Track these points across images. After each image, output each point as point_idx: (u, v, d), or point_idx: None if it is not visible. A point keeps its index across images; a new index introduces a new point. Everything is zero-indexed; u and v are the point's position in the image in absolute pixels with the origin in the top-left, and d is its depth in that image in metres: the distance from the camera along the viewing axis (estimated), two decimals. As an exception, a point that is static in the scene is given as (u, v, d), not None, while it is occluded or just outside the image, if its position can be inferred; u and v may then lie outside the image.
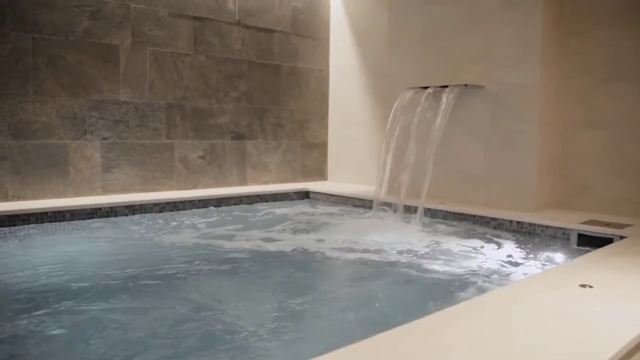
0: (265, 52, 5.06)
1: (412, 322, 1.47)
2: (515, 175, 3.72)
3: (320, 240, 3.28)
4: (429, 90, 4.01)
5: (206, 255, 2.93)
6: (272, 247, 3.12)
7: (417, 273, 2.58)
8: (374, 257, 2.89)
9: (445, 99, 3.83)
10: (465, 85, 3.80)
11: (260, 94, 5.06)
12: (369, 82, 5.24)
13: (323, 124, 5.66)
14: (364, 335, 1.35)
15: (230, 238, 3.33)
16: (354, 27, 5.38)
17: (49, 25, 3.77)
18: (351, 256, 2.92)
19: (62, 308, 2.05)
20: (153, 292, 2.30)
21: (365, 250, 3.02)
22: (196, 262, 2.77)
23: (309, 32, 5.43)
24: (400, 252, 2.97)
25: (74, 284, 2.35)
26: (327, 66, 5.63)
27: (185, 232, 3.46)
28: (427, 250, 3.03)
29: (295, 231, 3.59)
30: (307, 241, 3.27)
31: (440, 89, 3.96)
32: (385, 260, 2.83)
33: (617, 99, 3.55)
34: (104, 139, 4.10)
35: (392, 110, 4.18)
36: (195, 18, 4.53)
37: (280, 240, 3.31)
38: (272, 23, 5.09)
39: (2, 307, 2.07)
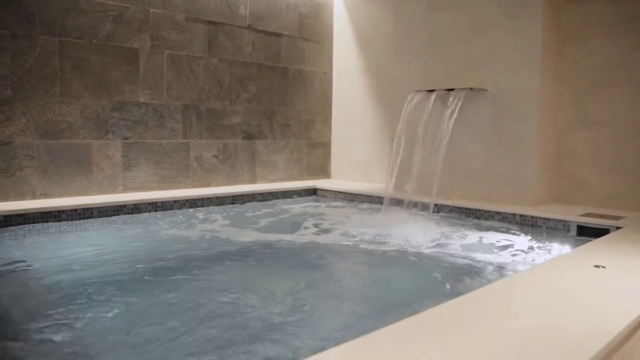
0: (273, 55, 5.28)
1: (464, 295, 1.72)
2: (516, 172, 4.02)
3: (344, 234, 3.52)
4: (435, 93, 4.28)
5: (237, 246, 3.14)
6: (297, 240, 3.35)
7: (439, 260, 2.85)
8: (398, 247, 3.14)
9: (453, 102, 4.11)
10: (471, 88, 4.08)
11: (269, 96, 5.27)
12: (370, 85, 5.50)
13: (327, 124, 5.90)
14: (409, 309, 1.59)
15: (251, 232, 3.54)
16: (355, 32, 5.63)
17: (75, 30, 3.92)
18: (376, 247, 3.17)
19: (129, 287, 2.25)
20: (203, 273, 2.52)
21: (387, 242, 3.27)
22: (228, 252, 2.98)
23: (314, 36, 5.66)
24: (422, 243, 3.23)
25: (131, 269, 2.55)
26: (331, 69, 5.87)
27: (209, 227, 3.66)
28: (444, 240, 3.30)
29: (316, 225, 3.82)
30: (330, 234, 3.50)
31: (446, 92, 4.24)
32: (411, 250, 3.09)
33: (609, 102, 3.88)
34: (125, 138, 4.26)
35: (402, 112, 4.44)
36: (209, 22, 4.71)
37: (302, 234, 3.54)
38: (280, 27, 5.31)
39: (68, 290, 2.26)
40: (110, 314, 1.99)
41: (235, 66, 4.95)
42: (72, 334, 1.81)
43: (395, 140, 4.53)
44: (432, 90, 4.33)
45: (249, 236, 3.41)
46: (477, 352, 1.27)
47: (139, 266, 2.68)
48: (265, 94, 5.24)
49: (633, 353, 1.53)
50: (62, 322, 1.92)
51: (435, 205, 4.14)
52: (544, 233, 3.50)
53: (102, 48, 4.07)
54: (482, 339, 1.36)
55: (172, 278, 2.49)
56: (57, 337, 1.77)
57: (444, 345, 1.31)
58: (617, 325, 1.47)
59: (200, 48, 4.68)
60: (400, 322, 1.47)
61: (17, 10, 3.65)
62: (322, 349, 1.28)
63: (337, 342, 1.30)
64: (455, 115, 4.12)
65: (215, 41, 4.78)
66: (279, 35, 5.31)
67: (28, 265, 2.66)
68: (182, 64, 4.57)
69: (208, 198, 4.42)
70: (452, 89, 4.19)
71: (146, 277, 2.49)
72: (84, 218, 3.72)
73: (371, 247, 3.18)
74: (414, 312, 1.58)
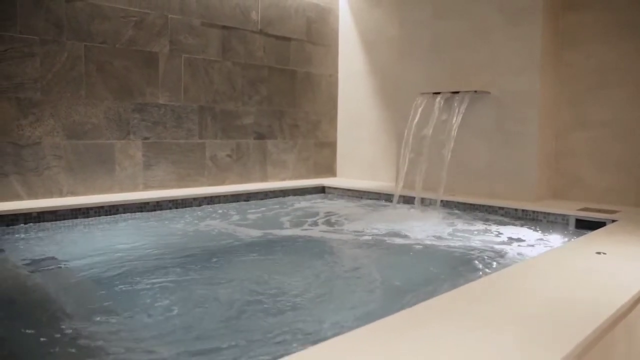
0: (283, 59, 5.49)
1: (485, 277, 1.95)
2: (517, 170, 4.27)
3: (358, 228, 3.74)
4: (442, 95, 4.52)
5: (261, 239, 3.36)
6: (315, 234, 3.56)
7: (454, 250, 3.08)
8: (412, 239, 3.37)
9: (458, 103, 4.35)
10: (475, 91, 4.32)
11: (279, 97, 5.49)
12: (375, 87, 5.73)
13: (332, 125, 6.12)
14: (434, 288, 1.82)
15: (269, 227, 3.75)
16: (360, 36, 5.86)
17: (99, 35, 4.10)
18: (391, 239, 3.40)
19: (170, 277, 2.45)
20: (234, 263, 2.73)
21: (401, 235, 3.50)
22: (255, 243, 3.19)
23: (320, 40, 5.89)
24: (434, 235, 3.47)
25: (168, 260, 2.76)
26: (337, 71, 6.09)
27: (229, 222, 3.87)
28: (454, 233, 3.53)
29: (329, 221, 4.04)
30: (345, 229, 3.72)
31: (452, 94, 4.48)
32: (424, 242, 3.32)
33: (604, 103, 4.14)
34: (145, 139, 4.45)
35: (411, 113, 4.68)
36: (223, 27, 4.92)
37: (319, 228, 3.75)
38: (289, 32, 5.52)
39: (112, 277, 2.46)
40: (161, 301, 2.20)
41: (248, 69, 5.16)
42: (131, 322, 2.02)
43: (404, 140, 4.76)
44: (438, 93, 4.57)
45: (269, 230, 3.63)
46: (504, 320, 1.50)
47: (173, 257, 2.88)
48: (275, 96, 5.45)
49: (635, 322, 1.76)
50: (116, 309, 2.13)
51: (442, 201, 4.38)
52: (545, 226, 3.74)
53: (125, 52, 4.27)
54: (507, 310, 1.59)
55: (205, 267, 2.70)
56: (128, 324, 1.98)
57: (476, 315, 1.54)
58: (621, 299, 1.70)
59: (215, 52, 4.88)
60: (435, 299, 1.69)
61: (47, 17, 3.83)
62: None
63: (368, 320, 1.49)
64: (460, 116, 4.36)
65: (229, 45, 4.98)
66: (288, 39, 5.52)
67: (67, 260, 2.85)
68: (198, 67, 4.77)
69: (225, 196, 4.62)
70: (458, 92, 4.43)
71: (183, 266, 2.70)
72: (109, 214, 3.91)
73: (387, 239, 3.40)
74: (439, 293, 1.80)
